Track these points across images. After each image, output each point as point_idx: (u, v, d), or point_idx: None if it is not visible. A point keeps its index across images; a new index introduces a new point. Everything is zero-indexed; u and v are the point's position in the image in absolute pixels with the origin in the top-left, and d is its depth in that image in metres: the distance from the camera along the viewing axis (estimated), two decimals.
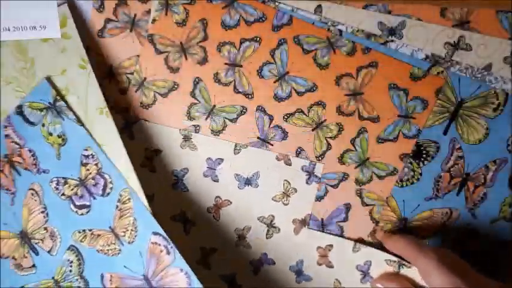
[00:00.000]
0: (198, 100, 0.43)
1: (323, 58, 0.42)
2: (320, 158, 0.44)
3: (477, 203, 0.44)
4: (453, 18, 0.40)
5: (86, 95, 0.41)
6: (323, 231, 0.45)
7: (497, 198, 0.44)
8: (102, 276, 0.42)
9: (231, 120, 0.44)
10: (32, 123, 0.42)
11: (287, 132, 0.44)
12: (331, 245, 0.45)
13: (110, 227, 0.41)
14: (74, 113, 0.41)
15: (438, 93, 0.42)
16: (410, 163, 0.44)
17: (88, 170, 0.41)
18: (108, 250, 0.42)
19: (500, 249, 0.45)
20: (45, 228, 0.43)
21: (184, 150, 0.44)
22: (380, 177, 0.44)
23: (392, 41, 0.41)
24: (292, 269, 0.46)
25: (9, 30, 0.41)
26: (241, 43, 0.42)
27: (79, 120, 0.41)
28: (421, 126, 0.43)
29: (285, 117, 0.44)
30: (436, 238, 0.45)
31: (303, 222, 0.45)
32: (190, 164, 0.44)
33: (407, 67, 0.42)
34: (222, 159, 0.44)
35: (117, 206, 0.41)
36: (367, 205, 0.45)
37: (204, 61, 0.42)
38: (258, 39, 0.42)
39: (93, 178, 0.41)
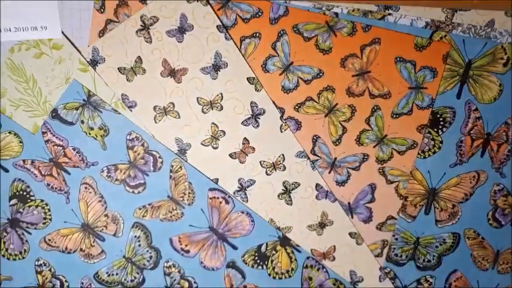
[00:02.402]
0: None
1: (325, 43, 0.42)
2: (337, 143, 0.44)
3: (503, 161, 0.44)
4: None
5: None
6: (352, 215, 0.45)
7: None
8: (171, 240, 0.45)
9: None
10: (70, 123, 0.43)
11: (300, 122, 0.44)
12: None
13: (168, 196, 0.44)
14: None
15: (445, 59, 0.42)
16: (429, 133, 0.43)
17: (136, 151, 0.43)
18: (171, 217, 0.44)
19: None
20: (106, 215, 0.45)
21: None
22: (400, 153, 0.44)
23: (389, 14, 0.41)
24: None
25: (10, 30, 0.41)
26: (241, 41, 0.42)
27: (116, 109, 0.42)
28: (434, 95, 0.43)
29: (296, 107, 0.43)
30: (468, 203, 0.45)
31: None
32: None
33: (410, 38, 0.42)
34: None
35: (170, 176, 0.44)
36: (391, 182, 0.44)
37: None
38: (257, 34, 0.42)
39: (142, 158, 0.43)
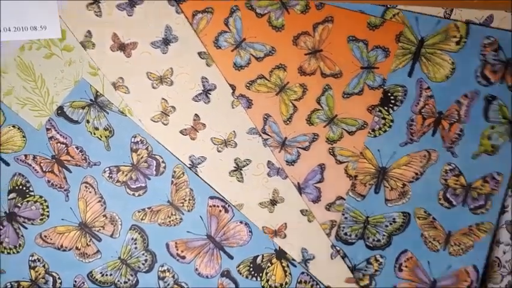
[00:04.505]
0: None
1: (277, 20, 0.42)
2: (288, 122, 0.44)
3: (455, 141, 0.44)
4: None
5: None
6: (301, 195, 0.45)
7: (474, 132, 0.44)
8: (167, 245, 0.45)
9: None
10: (75, 122, 0.43)
11: (251, 100, 0.44)
12: None
13: (168, 201, 0.44)
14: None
15: (398, 39, 0.41)
16: (380, 111, 0.43)
17: (139, 155, 0.43)
18: (169, 222, 0.45)
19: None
20: (104, 215, 0.45)
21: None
22: (351, 133, 0.44)
23: None
24: None
25: (9, 30, 0.41)
26: (193, 15, 0.42)
27: (123, 111, 0.42)
28: (385, 75, 0.42)
29: (247, 85, 0.43)
30: (419, 182, 0.45)
31: None
32: None
33: (364, 17, 0.41)
34: None
35: (172, 181, 0.44)
36: (341, 163, 0.45)
37: None
38: (210, 9, 0.42)
39: (145, 161, 0.44)
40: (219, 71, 0.43)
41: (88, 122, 0.43)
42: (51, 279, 0.46)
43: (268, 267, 0.45)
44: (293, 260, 0.45)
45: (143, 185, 0.44)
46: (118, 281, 0.46)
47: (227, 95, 0.43)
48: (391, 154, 0.44)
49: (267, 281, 0.46)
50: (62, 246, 0.45)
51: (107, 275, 0.46)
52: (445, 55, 0.42)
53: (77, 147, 0.44)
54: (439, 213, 0.46)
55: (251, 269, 0.45)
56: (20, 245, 0.45)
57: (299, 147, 0.44)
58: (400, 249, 0.46)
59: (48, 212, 0.45)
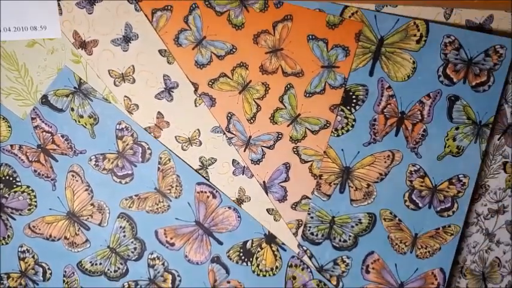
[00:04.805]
0: None
1: (237, 18, 0.42)
2: (252, 121, 0.44)
3: (419, 141, 0.43)
4: None
5: None
6: (267, 194, 0.45)
7: (439, 133, 0.43)
8: (156, 232, 0.45)
9: None
10: (60, 110, 0.43)
11: (215, 99, 0.43)
12: None
13: (155, 188, 0.44)
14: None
15: (358, 38, 0.41)
16: (342, 110, 0.43)
17: (125, 142, 0.43)
18: (157, 209, 0.44)
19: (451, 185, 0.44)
20: (92, 204, 0.45)
21: None
22: (314, 132, 0.44)
23: None
24: None
25: (9, 30, 0.41)
26: (153, 13, 0.42)
27: (107, 98, 0.42)
28: (346, 74, 0.42)
29: (210, 83, 0.43)
30: (384, 183, 0.44)
31: None
32: None
33: (323, 15, 0.41)
34: None
35: (158, 168, 0.44)
36: (305, 162, 0.44)
37: None
38: (169, 7, 0.42)
39: (131, 148, 0.43)
40: (181, 69, 0.43)
41: (72, 110, 0.43)
42: (40, 270, 0.46)
43: (258, 251, 0.45)
44: (283, 244, 0.45)
45: (130, 172, 0.44)
46: (108, 269, 0.46)
47: (190, 93, 0.43)
48: (354, 154, 0.44)
49: (258, 265, 0.45)
50: (50, 236, 0.45)
51: (96, 264, 0.46)
52: (406, 54, 0.42)
53: (63, 136, 0.44)
54: (405, 215, 0.45)
55: (241, 254, 0.45)
56: (8, 236, 0.45)
57: (264, 146, 0.44)
58: (367, 250, 0.46)
59: (35, 202, 0.45)
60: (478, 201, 0.45)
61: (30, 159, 0.44)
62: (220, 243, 0.45)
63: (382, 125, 0.43)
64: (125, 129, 0.43)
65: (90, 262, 0.46)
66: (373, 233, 0.45)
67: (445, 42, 0.41)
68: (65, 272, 0.46)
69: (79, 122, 0.43)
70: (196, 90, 0.43)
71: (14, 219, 0.45)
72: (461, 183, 0.44)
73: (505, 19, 0.41)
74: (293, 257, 0.45)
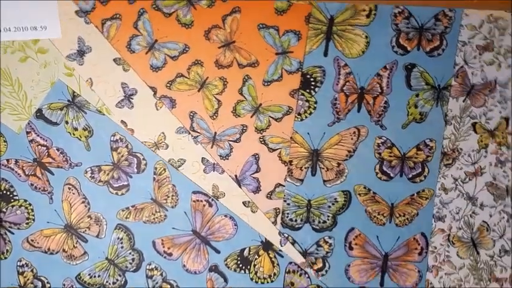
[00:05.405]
0: None
1: (186, 17, 0.42)
2: (214, 117, 0.44)
3: (381, 114, 0.44)
4: None
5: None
6: (240, 187, 0.45)
7: (400, 102, 0.44)
8: (153, 243, 0.45)
9: None
10: (54, 123, 0.43)
11: (175, 100, 0.44)
12: None
13: (151, 199, 0.44)
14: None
15: (308, 20, 0.41)
16: (302, 94, 0.43)
17: (119, 153, 0.43)
18: (154, 219, 0.45)
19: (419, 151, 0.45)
20: (89, 216, 0.45)
21: None
22: (277, 120, 0.44)
23: None
24: None
25: (10, 30, 0.41)
26: (103, 24, 0.42)
27: (101, 110, 0.43)
28: (301, 58, 0.42)
29: (168, 85, 0.43)
30: (353, 160, 0.45)
31: None
32: None
33: (270, 3, 0.41)
34: None
35: (154, 178, 0.44)
36: (274, 150, 0.45)
37: None
38: (118, 15, 0.42)
39: (126, 159, 0.43)
40: (137, 74, 0.43)
41: (67, 123, 0.43)
42: (39, 283, 0.46)
43: (256, 259, 0.46)
44: (280, 250, 0.45)
45: (125, 183, 0.44)
46: (106, 281, 0.46)
47: (149, 97, 0.43)
48: (321, 135, 0.44)
49: (256, 273, 0.46)
50: (49, 249, 0.45)
51: (95, 276, 0.46)
52: (357, 30, 0.42)
53: (58, 149, 0.44)
54: (379, 187, 0.46)
55: (239, 262, 0.46)
56: (7, 251, 0.45)
57: (230, 140, 0.44)
58: (347, 227, 0.46)
59: (33, 215, 0.45)
60: (452, 166, 0.46)
61: (27, 173, 0.44)
62: (218, 251, 0.45)
63: (344, 103, 0.43)
64: (119, 140, 0.44)
65: (89, 274, 0.46)
66: (350, 209, 0.46)
67: (394, 13, 0.41)
68: (64, 285, 0.46)
69: (74, 134, 0.44)
70: (155, 93, 0.43)
71: (13, 233, 0.45)
72: (429, 147, 0.44)
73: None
74: (291, 263, 0.46)
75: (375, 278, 0.47)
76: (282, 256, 0.46)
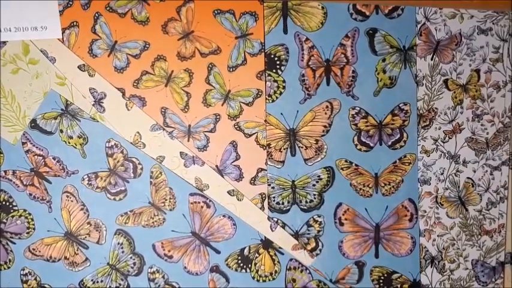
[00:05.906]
0: None
1: (140, 14, 0.42)
2: (186, 110, 0.44)
3: (351, 84, 0.43)
4: None
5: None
6: (223, 177, 0.45)
7: (368, 70, 0.43)
8: (154, 246, 0.45)
9: None
10: (49, 133, 0.44)
11: (144, 98, 0.44)
12: None
13: (149, 202, 0.45)
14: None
15: (262, 0, 0.41)
16: (269, 75, 0.43)
17: (115, 159, 0.44)
18: (153, 222, 0.45)
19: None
20: (88, 223, 0.45)
21: None
22: (249, 104, 0.44)
23: None
24: None
25: (10, 30, 0.41)
26: (62, 33, 0.42)
27: (94, 117, 0.43)
28: (262, 38, 0.42)
29: (135, 84, 0.43)
30: (330, 135, 0.44)
31: None
32: None
33: None
34: None
35: (151, 182, 0.44)
36: (250, 135, 0.44)
37: None
38: (75, 23, 0.42)
39: (122, 165, 0.44)
40: (103, 78, 0.43)
41: (62, 131, 0.44)
42: None
43: (256, 257, 0.45)
44: (280, 248, 0.45)
45: (123, 188, 0.45)
46: (109, 286, 0.46)
47: (119, 99, 0.43)
48: (294, 114, 0.44)
49: (257, 271, 0.46)
50: (51, 257, 0.46)
51: (97, 281, 0.46)
52: (313, 2, 0.41)
53: (54, 158, 0.44)
54: (360, 158, 0.45)
55: (239, 262, 0.45)
56: (10, 261, 0.45)
57: (205, 131, 0.44)
58: (335, 204, 0.46)
59: (33, 225, 0.45)
60: (430, 127, 0.45)
61: (25, 183, 0.44)
62: (218, 252, 0.45)
63: (312, 78, 0.43)
64: (114, 146, 0.44)
65: (92, 280, 0.46)
66: (335, 185, 0.46)
67: None
68: None
69: (69, 143, 0.44)
70: (124, 94, 0.43)
71: (14, 243, 0.45)
72: (404, 111, 0.44)
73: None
74: (291, 259, 0.46)
75: (369, 251, 0.46)
76: (282, 253, 0.45)
